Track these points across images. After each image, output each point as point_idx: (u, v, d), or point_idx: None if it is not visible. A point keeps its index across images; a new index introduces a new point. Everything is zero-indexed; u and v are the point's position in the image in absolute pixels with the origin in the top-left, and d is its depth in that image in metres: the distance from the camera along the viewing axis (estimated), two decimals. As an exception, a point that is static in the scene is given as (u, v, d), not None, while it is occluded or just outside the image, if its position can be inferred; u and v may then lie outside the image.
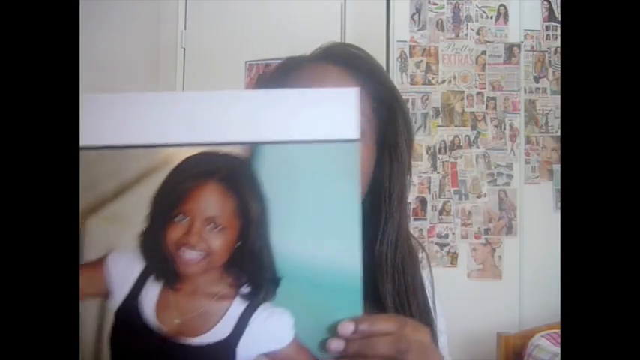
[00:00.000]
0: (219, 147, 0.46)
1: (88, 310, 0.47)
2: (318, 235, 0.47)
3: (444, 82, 2.21)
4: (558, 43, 2.21)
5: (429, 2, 2.22)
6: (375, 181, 0.66)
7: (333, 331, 0.46)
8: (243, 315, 0.47)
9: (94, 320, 0.47)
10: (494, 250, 2.19)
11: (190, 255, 0.46)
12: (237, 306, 0.47)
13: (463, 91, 2.21)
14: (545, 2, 2.25)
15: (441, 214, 2.18)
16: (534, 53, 2.23)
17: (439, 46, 2.21)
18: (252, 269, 0.47)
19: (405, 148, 0.67)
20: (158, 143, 0.46)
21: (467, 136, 2.20)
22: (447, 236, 2.18)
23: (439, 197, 2.17)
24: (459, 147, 2.20)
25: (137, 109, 0.46)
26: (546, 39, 2.24)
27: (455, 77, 2.21)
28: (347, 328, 0.45)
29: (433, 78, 2.21)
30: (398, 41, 2.20)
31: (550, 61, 2.23)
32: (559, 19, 2.22)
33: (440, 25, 2.22)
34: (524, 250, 2.19)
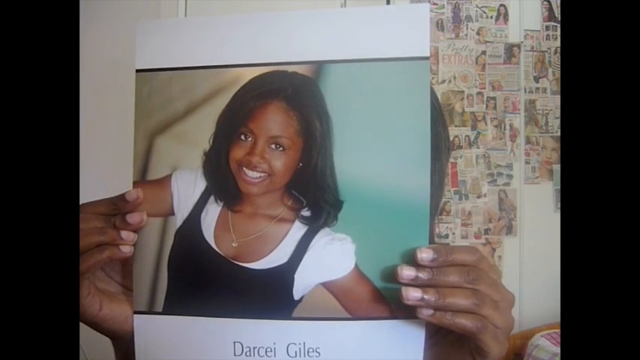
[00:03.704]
0: (285, 66, 0.46)
1: (151, 230, 0.47)
2: (385, 157, 0.45)
3: (444, 82, 2.21)
4: (558, 43, 2.21)
5: (429, 2, 2.22)
6: None
7: (398, 259, 0.43)
8: (303, 240, 0.45)
9: (155, 240, 0.47)
10: (494, 250, 2.19)
11: (252, 175, 0.46)
12: (297, 230, 0.45)
13: (463, 91, 2.21)
14: (545, 2, 2.25)
15: (440, 214, 2.18)
16: (534, 53, 2.23)
17: (439, 46, 2.21)
18: (313, 192, 0.45)
19: (445, 164, 0.69)
20: (226, 64, 0.46)
21: (467, 136, 2.20)
22: (447, 236, 2.18)
23: (439, 197, 2.17)
24: (459, 147, 2.20)
25: (207, 32, 0.47)
26: (546, 39, 2.23)
27: (455, 77, 2.21)
28: (426, 254, 0.42)
29: (433, 78, 2.20)
30: (398, 41, 2.20)
31: (550, 61, 2.23)
32: (559, 19, 2.22)
33: (440, 25, 2.22)
34: (524, 250, 2.19)
